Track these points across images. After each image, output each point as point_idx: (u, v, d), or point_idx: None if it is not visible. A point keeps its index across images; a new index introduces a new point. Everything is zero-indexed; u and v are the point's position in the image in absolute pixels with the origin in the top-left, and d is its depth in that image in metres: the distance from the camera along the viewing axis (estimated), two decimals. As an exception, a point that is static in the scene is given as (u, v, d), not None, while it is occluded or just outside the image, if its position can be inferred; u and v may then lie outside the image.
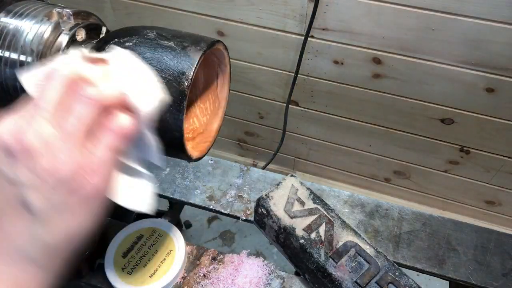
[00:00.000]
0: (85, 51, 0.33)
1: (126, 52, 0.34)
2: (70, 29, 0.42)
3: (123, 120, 0.31)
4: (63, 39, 0.42)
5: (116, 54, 0.34)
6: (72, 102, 0.29)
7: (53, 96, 0.28)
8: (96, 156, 0.29)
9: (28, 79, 0.31)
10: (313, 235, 0.61)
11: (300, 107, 1.23)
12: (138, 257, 0.63)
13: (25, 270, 0.28)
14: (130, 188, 0.35)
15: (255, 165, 1.51)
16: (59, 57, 0.32)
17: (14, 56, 0.41)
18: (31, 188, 0.27)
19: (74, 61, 0.32)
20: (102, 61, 0.33)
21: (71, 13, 0.42)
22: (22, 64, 0.41)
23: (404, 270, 0.59)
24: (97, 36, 0.46)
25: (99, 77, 0.31)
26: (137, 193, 0.35)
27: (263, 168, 1.33)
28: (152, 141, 0.35)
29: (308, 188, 0.67)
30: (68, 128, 0.28)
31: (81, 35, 0.43)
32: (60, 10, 0.42)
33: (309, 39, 1.01)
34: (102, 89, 0.30)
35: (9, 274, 0.28)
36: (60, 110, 0.28)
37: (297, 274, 0.66)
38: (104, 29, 0.46)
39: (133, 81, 0.33)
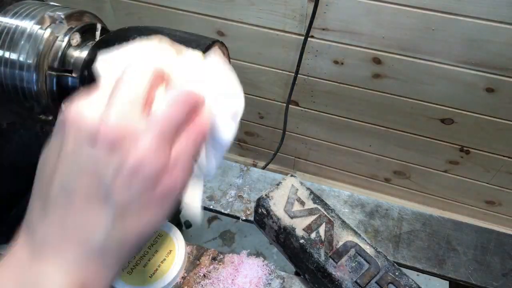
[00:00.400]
0: (166, 40, 0.32)
1: (220, 60, 0.33)
2: (65, 34, 0.42)
3: (206, 119, 0.30)
4: (63, 39, 0.42)
5: (210, 59, 0.33)
6: (162, 97, 0.28)
7: (140, 88, 0.27)
8: (180, 154, 0.28)
9: (102, 61, 0.29)
10: (313, 235, 0.61)
11: (300, 107, 1.23)
12: (138, 257, 0.63)
13: (95, 262, 0.27)
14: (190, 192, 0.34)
15: (255, 165, 1.51)
16: (138, 43, 0.31)
17: (14, 56, 0.41)
18: (111, 182, 0.26)
19: (160, 49, 0.30)
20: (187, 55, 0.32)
21: (63, 16, 0.42)
22: (22, 64, 0.41)
23: (404, 270, 0.59)
24: (93, 36, 0.46)
25: (187, 73, 0.30)
26: (194, 199, 0.34)
27: (263, 168, 1.33)
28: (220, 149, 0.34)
29: (308, 188, 0.67)
30: (155, 120, 0.27)
31: (76, 39, 0.43)
32: (51, 13, 0.42)
33: (309, 39, 1.01)
34: (191, 88, 0.29)
35: (79, 265, 0.27)
36: (149, 104, 0.28)
37: (297, 274, 0.66)
38: (99, 27, 0.46)
39: (221, 88, 0.32)
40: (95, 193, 0.27)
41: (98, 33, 0.45)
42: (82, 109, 0.27)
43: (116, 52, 0.30)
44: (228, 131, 0.33)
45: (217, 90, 0.32)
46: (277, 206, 0.64)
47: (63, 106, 0.28)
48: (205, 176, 0.35)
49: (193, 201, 0.34)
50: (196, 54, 0.33)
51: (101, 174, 0.26)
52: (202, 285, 0.62)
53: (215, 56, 0.34)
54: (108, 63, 0.30)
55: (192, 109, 0.29)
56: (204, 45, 0.41)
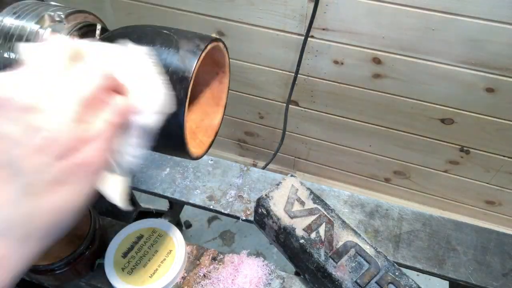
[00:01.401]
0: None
1: (141, 49, 0.34)
2: (65, 34, 0.42)
3: (122, 101, 0.30)
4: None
5: (129, 48, 0.34)
6: (75, 71, 0.28)
7: (55, 63, 0.28)
8: (94, 127, 0.28)
9: (25, 48, 0.30)
10: (313, 235, 0.61)
11: (300, 107, 1.23)
12: (138, 257, 0.63)
13: (3, 242, 0.25)
14: (110, 178, 0.34)
15: (255, 165, 1.51)
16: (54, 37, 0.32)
17: (14, 56, 0.41)
18: (21, 147, 0.25)
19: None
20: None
21: (63, 16, 0.42)
22: (21, 64, 0.41)
23: (404, 270, 0.59)
24: (93, 36, 0.46)
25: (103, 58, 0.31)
26: (115, 184, 0.34)
27: (263, 168, 1.33)
28: (135, 141, 0.34)
29: (308, 188, 0.67)
30: (69, 94, 0.27)
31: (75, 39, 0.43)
32: (52, 13, 0.42)
33: (309, 39, 1.01)
34: (106, 68, 0.30)
35: None
36: (63, 76, 0.28)
37: (297, 274, 0.66)
38: (99, 26, 0.46)
39: (139, 77, 0.33)
40: (3, 166, 0.26)
41: (98, 33, 0.45)
42: (1, 82, 0.27)
43: (42, 44, 0.31)
44: (150, 120, 0.33)
45: (136, 82, 0.32)
46: (277, 206, 0.64)
47: None
48: (128, 168, 0.35)
49: (113, 194, 0.34)
50: (116, 47, 0.34)
51: (10, 141, 0.26)
52: (202, 285, 0.62)
53: (138, 50, 0.34)
54: (33, 50, 0.31)
55: (109, 88, 0.29)
56: (204, 43, 0.41)
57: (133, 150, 0.34)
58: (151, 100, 0.33)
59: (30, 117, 0.26)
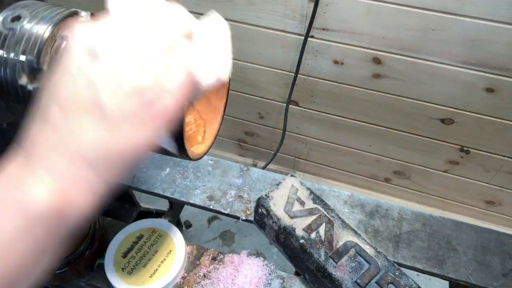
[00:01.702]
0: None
1: (222, 20, 0.36)
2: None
3: (197, 56, 0.32)
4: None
5: (212, 17, 0.36)
6: (158, 18, 0.30)
7: (139, 8, 0.30)
8: (174, 75, 0.30)
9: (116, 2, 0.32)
10: (313, 235, 0.61)
11: (300, 107, 1.23)
12: (138, 257, 0.63)
13: (82, 171, 0.28)
14: None
15: (255, 165, 1.51)
16: None
17: (14, 56, 0.41)
18: (107, 91, 0.28)
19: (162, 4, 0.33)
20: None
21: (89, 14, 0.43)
22: (22, 64, 0.41)
23: (404, 270, 0.59)
24: None
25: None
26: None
27: (263, 168, 1.33)
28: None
29: (308, 188, 0.67)
30: (152, 41, 0.29)
31: None
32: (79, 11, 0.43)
33: (309, 39, 1.01)
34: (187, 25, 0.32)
35: (67, 169, 0.28)
36: (146, 22, 0.30)
37: (297, 274, 0.66)
38: (84, 14, 0.47)
39: (214, 45, 0.34)
40: (90, 104, 0.28)
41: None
42: (87, 29, 0.29)
43: None
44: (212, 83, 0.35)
45: (209, 49, 0.34)
46: (277, 206, 0.64)
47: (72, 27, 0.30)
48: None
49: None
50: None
51: (98, 86, 0.28)
52: (202, 285, 0.62)
53: (221, 20, 0.37)
54: (119, 2, 0.32)
55: (184, 36, 0.32)
56: None
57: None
58: (220, 65, 0.35)
59: (119, 67, 0.28)
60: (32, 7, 0.42)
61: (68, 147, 0.28)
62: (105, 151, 0.29)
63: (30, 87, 0.40)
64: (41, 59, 0.40)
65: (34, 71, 0.40)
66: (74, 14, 0.42)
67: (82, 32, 0.29)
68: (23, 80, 0.40)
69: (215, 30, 0.36)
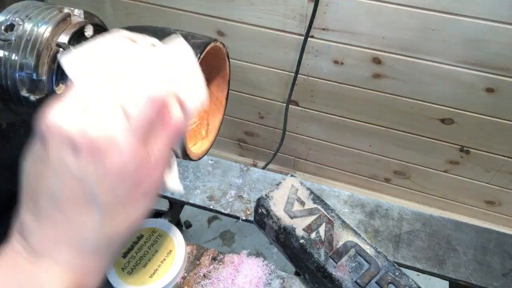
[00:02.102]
0: (127, 32, 0.32)
1: (183, 42, 0.33)
2: (78, 25, 0.42)
3: (178, 115, 0.31)
4: (64, 39, 0.42)
5: (172, 42, 0.33)
6: (131, 97, 0.29)
7: (109, 89, 0.29)
8: (156, 151, 0.30)
9: (69, 62, 0.29)
10: (313, 235, 0.61)
11: (300, 107, 1.23)
12: (138, 257, 0.63)
13: (89, 259, 0.30)
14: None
15: (255, 165, 1.51)
16: (99, 37, 0.31)
17: (13, 56, 0.41)
18: (98, 183, 0.28)
19: (120, 41, 0.30)
20: (151, 44, 0.32)
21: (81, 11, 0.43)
22: (21, 65, 0.41)
23: (404, 270, 0.59)
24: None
25: (152, 63, 0.30)
26: (173, 179, 0.36)
27: (263, 168, 1.33)
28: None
29: (308, 188, 0.67)
30: (132, 124, 0.28)
31: (89, 31, 0.44)
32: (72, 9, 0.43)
33: (309, 39, 1.01)
34: (160, 82, 0.30)
35: (75, 264, 0.29)
36: (121, 104, 0.28)
37: (297, 274, 0.66)
38: (89, 26, 0.46)
39: (183, 73, 0.32)
40: (82, 198, 0.28)
41: (89, 33, 0.45)
42: (61, 117, 0.27)
43: (82, 50, 0.30)
44: (191, 117, 0.34)
45: (181, 79, 0.32)
46: (277, 206, 0.64)
47: (40, 112, 0.28)
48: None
49: (173, 181, 0.35)
50: (157, 42, 0.33)
51: (87, 181, 0.28)
52: (202, 285, 0.62)
53: (182, 43, 0.34)
54: (76, 61, 0.30)
55: (161, 108, 0.30)
56: (204, 42, 0.41)
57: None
58: (195, 99, 0.33)
59: (102, 156, 0.27)
60: (23, 11, 0.42)
61: (70, 240, 0.29)
62: (107, 237, 0.30)
63: (32, 98, 0.40)
64: (39, 71, 0.40)
65: (34, 82, 0.40)
66: (67, 17, 0.42)
67: (56, 120, 0.27)
68: (24, 92, 0.40)
69: (184, 62, 0.34)
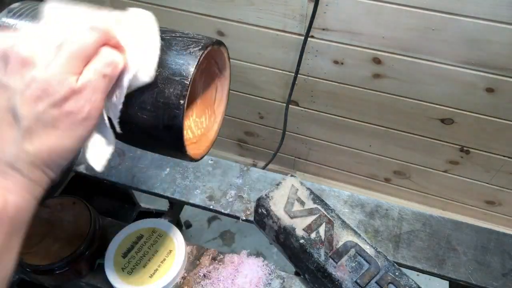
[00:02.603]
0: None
1: (146, 14, 0.36)
2: None
3: (114, 54, 0.33)
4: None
5: (135, 13, 0.36)
6: (74, 28, 0.31)
7: (58, 18, 0.32)
8: (84, 77, 0.31)
9: (52, 9, 0.33)
10: (313, 235, 0.61)
11: (300, 107, 1.23)
12: (138, 257, 0.63)
13: (11, 178, 0.30)
14: (96, 139, 0.36)
15: (255, 165, 1.51)
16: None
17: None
18: (20, 96, 0.29)
19: (96, 11, 0.35)
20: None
21: None
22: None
23: (404, 270, 0.59)
24: None
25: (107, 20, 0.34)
26: (98, 146, 0.36)
27: (263, 168, 1.33)
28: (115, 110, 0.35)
29: (308, 188, 0.67)
30: (67, 48, 0.30)
31: None
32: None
33: (309, 39, 1.01)
34: (105, 27, 0.32)
35: None
36: (64, 32, 0.31)
37: (297, 274, 0.66)
38: None
39: (137, 41, 0.34)
40: (5, 114, 0.30)
41: None
42: (4, 38, 0.31)
43: (66, 6, 0.34)
44: (140, 80, 0.35)
45: (133, 45, 0.34)
46: (277, 206, 0.64)
47: None
48: (113, 137, 0.37)
49: (91, 152, 0.36)
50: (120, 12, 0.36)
51: (10, 90, 0.30)
52: (202, 285, 0.62)
53: (145, 15, 0.36)
54: (54, 10, 0.33)
55: (104, 42, 0.32)
56: (205, 44, 0.41)
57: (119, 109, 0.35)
58: (145, 61, 0.35)
59: (28, 69, 0.30)
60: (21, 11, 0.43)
61: None
62: (28, 157, 0.30)
63: None
64: None
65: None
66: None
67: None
68: None
69: (139, 24, 0.36)
